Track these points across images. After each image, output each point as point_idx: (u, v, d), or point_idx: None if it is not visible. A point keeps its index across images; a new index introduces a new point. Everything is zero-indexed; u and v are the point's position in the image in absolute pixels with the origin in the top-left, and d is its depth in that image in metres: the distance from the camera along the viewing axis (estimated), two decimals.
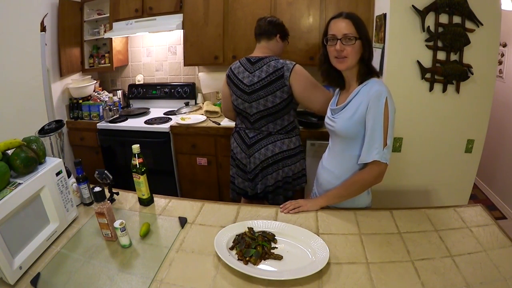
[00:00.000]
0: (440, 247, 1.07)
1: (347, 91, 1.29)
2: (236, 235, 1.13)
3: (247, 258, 1.01)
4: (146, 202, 1.39)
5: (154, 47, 3.18)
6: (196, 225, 1.24)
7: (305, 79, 1.62)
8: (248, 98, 1.67)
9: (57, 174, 1.19)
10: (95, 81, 3.11)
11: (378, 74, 1.25)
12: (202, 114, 2.79)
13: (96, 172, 1.42)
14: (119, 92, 3.17)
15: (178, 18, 2.66)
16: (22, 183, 1.04)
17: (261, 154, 1.70)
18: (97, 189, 1.41)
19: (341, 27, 1.18)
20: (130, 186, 1.45)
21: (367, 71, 1.22)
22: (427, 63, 1.85)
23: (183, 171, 2.73)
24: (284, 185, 1.74)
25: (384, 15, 1.90)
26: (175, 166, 2.74)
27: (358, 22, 1.18)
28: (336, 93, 1.39)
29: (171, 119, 2.78)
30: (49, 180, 1.15)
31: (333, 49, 1.20)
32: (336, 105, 1.32)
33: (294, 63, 1.63)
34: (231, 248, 1.08)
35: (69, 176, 1.37)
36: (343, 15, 1.20)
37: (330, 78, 1.32)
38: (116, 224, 1.10)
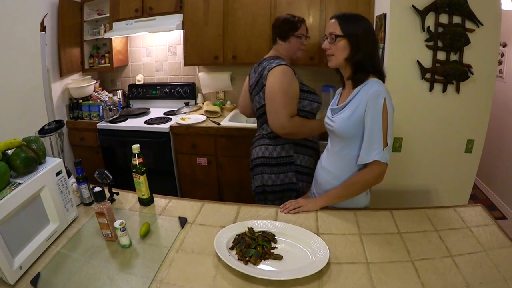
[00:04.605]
0: (440, 247, 1.07)
1: (347, 91, 1.29)
2: (236, 235, 1.13)
3: (247, 258, 1.01)
4: (146, 202, 1.39)
5: (154, 47, 3.18)
6: (196, 225, 1.24)
7: (276, 82, 1.50)
8: (250, 97, 1.77)
9: (57, 174, 1.19)
10: (95, 81, 3.10)
11: (378, 73, 1.22)
12: (202, 114, 2.79)
13: (96, 172, 1.42)
14: (119, 92, 3.17)
15: (178, 18, 2.66)
16: (22, 183, 1.04)
17: (252, 154, 1.78)
18: (97, 189, 1.41)
19: (329, 26, 1.23)
20: (130, 186, 1.45)
21: (355, 70, 1.20)
22: (427, 63, 1.85)
23: (183, 171, 2.73)
24: (263, 193, 1.69)
25: (384, 15, 1.90)
26: (175, 166, 2.74)
27: (345, 21, 1.18)
28: (337, 93, 1.39)
29: (171, 119, 2.78)
30: (49, 180, 1.15)
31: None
32: (337, 105, 1.32)
33: (280, 63, 1.53)
34: (231, 248, 1.08)
35: (69, 176, 1.37)
36: (334, 16, 1.23)
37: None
38: (116, 224, 1.10)
